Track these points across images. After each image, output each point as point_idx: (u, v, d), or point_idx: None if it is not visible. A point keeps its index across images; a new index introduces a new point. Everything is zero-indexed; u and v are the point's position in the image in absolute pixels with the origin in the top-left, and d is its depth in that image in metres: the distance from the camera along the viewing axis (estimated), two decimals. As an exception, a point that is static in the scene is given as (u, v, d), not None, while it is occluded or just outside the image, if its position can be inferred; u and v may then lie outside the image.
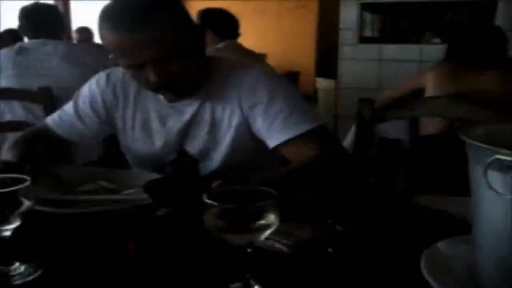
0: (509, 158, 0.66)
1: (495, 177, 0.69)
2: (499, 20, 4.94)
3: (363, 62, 5.32)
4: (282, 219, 1.02)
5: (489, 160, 0.68)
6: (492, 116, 1.63)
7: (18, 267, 0.93)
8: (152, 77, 1.33)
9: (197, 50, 1.42)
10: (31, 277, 0.92)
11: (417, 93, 2.54)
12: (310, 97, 7.93)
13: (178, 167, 1.61)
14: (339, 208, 1.17)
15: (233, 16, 3.30)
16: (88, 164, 2.26)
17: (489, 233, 0.77)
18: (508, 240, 0.73)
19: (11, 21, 4.12)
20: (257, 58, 3.16)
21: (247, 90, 1.45)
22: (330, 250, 0.95)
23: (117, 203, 1.24)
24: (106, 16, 1.32)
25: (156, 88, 1.40)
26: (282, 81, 1.51)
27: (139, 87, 1.55)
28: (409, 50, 5.17)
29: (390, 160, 2.25)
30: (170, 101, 1.52)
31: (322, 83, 7.06)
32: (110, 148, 2.69)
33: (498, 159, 0.67)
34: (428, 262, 0.86)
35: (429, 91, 2.38)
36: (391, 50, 5.27)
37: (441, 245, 0.93)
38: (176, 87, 1.42)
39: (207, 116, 1.50)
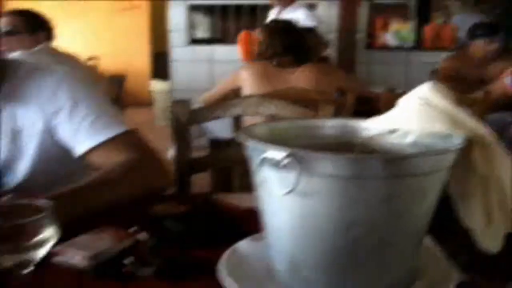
0: (278, 155, 0.67)
1: (268, 174, 0.71)
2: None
3: (195, 63, 5.36)
4: (79, 231, 0.98)
5: (261, 157, 0.69)
6: (302, 112, 1.70)
7: None
8: None
9: None
10: None
11: (240, 91, 2.60)
12: (146, 100, 7.84)
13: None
14: (146, 215, 1.14)
15: (46, 17, 3.11)
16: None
17: (273, 229, 0.78)
18: (289, 235, 0.75)
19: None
20: (76, 62, 3.01)
21: (48, 96, 1.37)
22: (126, 261, 0.91)
23: None
24: None
25: None
26: (87, 86, 1.44)
27: None
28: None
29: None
30: None
31: (157, 86, 7.00)
32: None
33: (269, 157, 0.68)
34: (227, 263, 0.86)
35: (245, 91, 2.45)
36: (222, 50, 5.37)
37: (241, 244, 0.94)
38: None
39: (7, 124, 1.39)
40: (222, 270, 0.83)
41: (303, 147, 0.75)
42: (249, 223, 1.07)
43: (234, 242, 0.95)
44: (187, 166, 1.71)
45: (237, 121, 2.27)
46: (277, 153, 0.67)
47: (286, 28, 2.67)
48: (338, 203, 0.69)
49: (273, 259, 0.81)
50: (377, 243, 0.73)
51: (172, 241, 1.01)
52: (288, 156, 0.66)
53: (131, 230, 1.01)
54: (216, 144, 2.72)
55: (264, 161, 0.69)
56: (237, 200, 1.28)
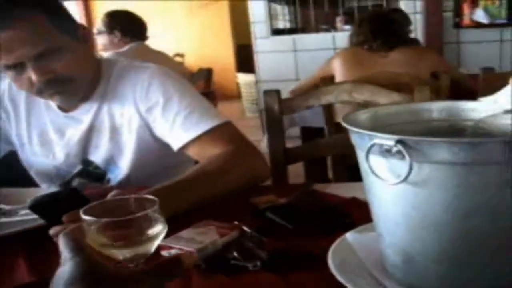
0: (387, 142, 0.64)
1: (377, 162, 0.68)
2: (403, 3, 5.10)
3: (278, 54, 5.35)
4: (187, 225, 1.00)
5: (369, 145, 0.67)
6: (396, 97, 1.65)
7: None
8: (33, 76, 1.29)
9: (80, 48, 1.37)
10: None
11: (330, 80, 2.57)
12: (233, 93, 7.96)
13: (85, 179, 1.55)
14: (247, 207, 1.15)
15: (140, 18, 3.24)
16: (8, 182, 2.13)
17: (384, 221, 0.75)
18: (401, 226, 0.72)
19: None
20: (166, 59, 3.10)
21: (142, 93, 1.40)
22: (235, 254, 0.91)
23: (13, 226, 1.16)
24: None
25: (41, 90, 1.33)
26: (178, 81, 1.46)
27: (29, 98, 1.48)
28: (323, 39, 5.24)
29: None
30: (63, 109, 1.46)
31: (243, 78, 7.06)
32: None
33: (378, 144, 0.66)
34: (335, 255, 0.84)
35: (337, 78, 2.42)
36: (305, 40, 5.33)
37: (349, 235, 0.91)
38: (61, 88, 1.35)
39: (106, 123, 1.45)
40: (332, 262, 0.81)
41: (411, 133, 0.72)
42: (353, 213, 1.05)
43: (338, 233, 0.93)
44: (282, 156, 1.70)
45: (328, 109, 2.24)
46: (386, 140, 0.64)
47: (373, 14, 2.64)
48: (454, 191, 0.65)
49: (384, 251, 0.78)
50: (496, 231, 0.68)
51: (276, 232, 1.01)
52: (398, 142, 0.63)
53: (234, 223, 1.02)
54: (308, 133, 2.70)
55: (372, 149, 0.67)
56: (336, 190, 1.26)
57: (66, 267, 0.64)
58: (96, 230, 0.74)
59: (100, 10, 7.64)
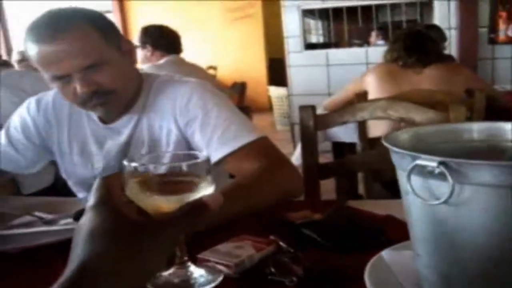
0: (429, 163, 0.65)
1: (418, 183, 0.69)
2: (437, 18, 5.07)
3: (311, 68, 5.36)
4: (223, 239, 1.01)
5: (411, 166, 0.67)
6: (432, 115, 1.65)
7: None
8: (79, 87, 1.32)
9: (124, 62, 1.41)
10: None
11: (363, 95, 2.58)
12: (264, 106, 7.99)
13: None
14: (282, 222, 1.15)
15: (175, 32, 3.30)
16: (38, 192, 2.19)
17: (423, 241, 0.75)
18: (440, 247, 0.72)
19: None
20: (200, 72, 3.15)
21: (181, 107, 1.43)
22: (272, 269, 0.92)
23: (54, 235, 1.19)
24: (30, 30, 1.31)
25: (85, 101, 1.37)
26: (217, 96, 1.49)
27: (72, 109, 1.52)
28: (356, 54, 5.23)
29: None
30: (104, 121, 1.50)
31: (275, 91, 7.09)
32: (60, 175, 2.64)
33: (420, 165, 0.66)
34: (372, 273, 0.84)
35: (371, 93, 2.42)
36: (337, 54, 5.33)
37: (386, 253, 0.91)
38: (105, 100, 1.38)
39: (144, 135, 1.48)
40: (368, 280, 0.82)
41: (452, 153, 0.72)
42: (388, 230, 1.05)
43: (373, 250, 0.93)
44: (315, 172, 1.71)
45: (362, 125, 2.24)
46: (429, 162, 0.65)
47: (408, 31, 2.64)
48: (495, 213, 0.65)
49: (422, 271, 0.78)
50: (538, 255, 0.68)
51: (311, 248, 1.02)
52: (441, 164, 0.64)
53: (271, 238, 1.03)
54: (339, 148, 2.70)
55: (413, 169, 0.67)
56: (371, 207, 1.26)
57: (86, 218, 0.64)
58: (139, 183, 0.73)
59: (138, 24, 7.77)
